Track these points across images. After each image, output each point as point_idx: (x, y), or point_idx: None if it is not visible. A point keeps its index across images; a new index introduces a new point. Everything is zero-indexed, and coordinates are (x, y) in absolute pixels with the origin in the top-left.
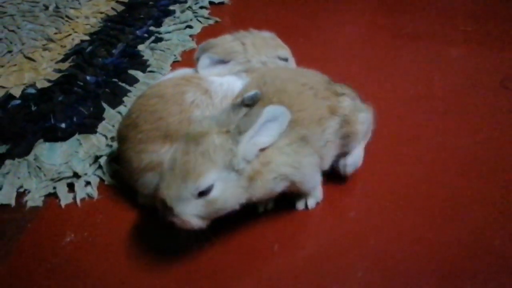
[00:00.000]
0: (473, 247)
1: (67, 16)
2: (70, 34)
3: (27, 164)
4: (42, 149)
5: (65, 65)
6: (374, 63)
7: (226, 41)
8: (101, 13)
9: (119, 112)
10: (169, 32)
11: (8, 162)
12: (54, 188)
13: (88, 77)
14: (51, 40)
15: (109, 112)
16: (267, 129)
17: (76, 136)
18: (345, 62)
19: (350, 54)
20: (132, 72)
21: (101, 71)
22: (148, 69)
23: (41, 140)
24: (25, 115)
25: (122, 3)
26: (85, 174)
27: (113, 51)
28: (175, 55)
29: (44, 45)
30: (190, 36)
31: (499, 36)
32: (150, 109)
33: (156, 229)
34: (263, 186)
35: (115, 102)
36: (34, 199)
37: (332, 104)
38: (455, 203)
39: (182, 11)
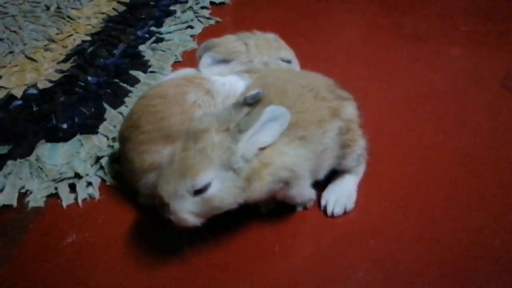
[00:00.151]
0: (474, 247)
1: (68, 17)
2: (71, 35)
3: (29, 164)
4: (43, 149)
5: (67, 66)
6: (374, 63)
7: (229, 41)
8: (102, 13)
9: (120, 113)
10: (170, 33)
11: (10, 162)
12: (56, 188)
13: (89, 78)
14: (52, 40)
15: (110, 112)
16: (268, 128)
17: (78, 136)
18: (345, 62)
19: (351, 54)
20: (133, 72)
21: (103, 72)
22: (149, 69)
23: (43, 140)
24: (27, 115)
25: (123, 4)
26: (87, 174)
27: (114, 51)
28: (176, 56)
29: (45, 45)
30: (191, 36)
31: (499, 36)
32: (152, 110)
33: (157, 229)
34: (261, 187)
35: (117, 102)
36: (36, 200)
37: (334, 106)
38: (455, 203)
39: (183, 11)
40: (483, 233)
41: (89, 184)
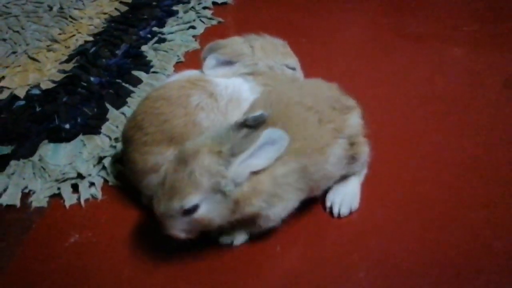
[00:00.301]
0: (475, 248)
1: (71, 17)
2: (74, 35)
3: (32, 165)
4: (46, 150)
5: (69, 66)
6: (375, 63)
7: (235, 43)
8: (105, 13)
9: (122, 113)
10: (172, 33)
11: (13, 162)
12: (59, 188)
13: (92, 78)
14: (55, 40)
15: (112, 113)
16: (263, 151)
17: (80, 137)
18: (346, 61)
19: (352, 54)
20: (135, 72)
21: (105, 72)
22: (152, 69)
23: (46, 141)
24: (30, 115)
25: (126, 4)
26: (89, 175)
27: (117, 51)
28: (178, 56)
29: (48, 45)
30: (193, 36)
31: (502, 36)
32: (156, 112)
33: (159, 229)
34: (250, 210)
35: (119, 103)
36: (39, 200)
37: (337, 126)
38: (456, 204)
39: (185, 12)
40: (484, 234)
41: (92, 184)
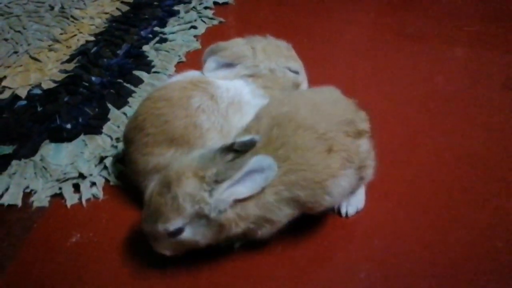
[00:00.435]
0: (476, 248)
1: (72, 17)
2: (75, 35)
3: (33, 164)
4: (48, 149)
5: (71, 66)
6: (377, 62)
7: (236, 45)
8: (106, 13)
9: (124, 113)
10: (173, 33)
11: (14, 162)
12: (60, 188)
13: (93, 78)
14: (56, 40)
15: (114, 112)
16: (250, 180)
17: (82, 136)
18: (348, 61)
19: (354, 54)
20: (136, 72)
21: (106, 72)
22: (153, 69)
23: (47, 140)
24: (31, 115)
25: (127, 4)
26: (91, 174)
27: (118, 51)
28: (179, 56)
29: (49, 45)
30: (195, 36)
31: (503, 37)
32: (157, 112)
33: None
34: (236, 232)
35: (120, 102)
36: (40, 200)
37: (349, 155)
38: (458, 204)
39: (187, 12)
40: (486, 234)
41: (93, 184)
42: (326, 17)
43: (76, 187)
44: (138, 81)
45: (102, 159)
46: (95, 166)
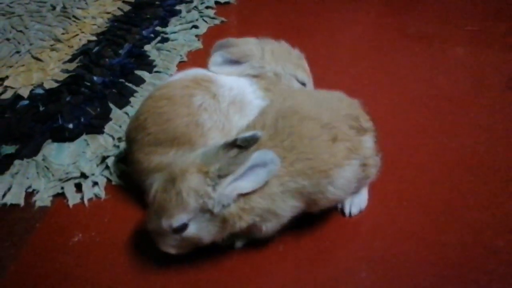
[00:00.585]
0: (477, 248)
1: (74, 16)
2: (77, 35)
3: (36, 164)
4: (50, 149)
5: (73, 66)
6: (378, 62)
7: (246, 43)
8: (108, 13)
9: (126, 113)
10: (175, 32)
11: (17, 162)
12: (62, 188)
13: (95, 78)
14: (58, 40)
15: (116, 112)
16: (253, 174)
17: (84, 136)
18: (349, 61)
19: (355, 54)
20: (138, 72)
21: (108, 72)
22: (155, 69)
23: (49, 140)
24: (33, 115)
25: (129, 3)
26: (93, 174)
27: (120, 51)
28: (181, 55)
29: (51, 45)
30: (196, 36)
31: (505, 37)
32: (159, 111)
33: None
34: (240, 226)
35: (122, 102)
36: (43, 199)
37: (352, 145)
38: (459, 204)
39: (188, 11)
40: (487, 233)
41: (95, 183)
42: (327, 17)
43: (78, 187)
44: (140, 81)
45: (104, 158)
46: (97, 165)
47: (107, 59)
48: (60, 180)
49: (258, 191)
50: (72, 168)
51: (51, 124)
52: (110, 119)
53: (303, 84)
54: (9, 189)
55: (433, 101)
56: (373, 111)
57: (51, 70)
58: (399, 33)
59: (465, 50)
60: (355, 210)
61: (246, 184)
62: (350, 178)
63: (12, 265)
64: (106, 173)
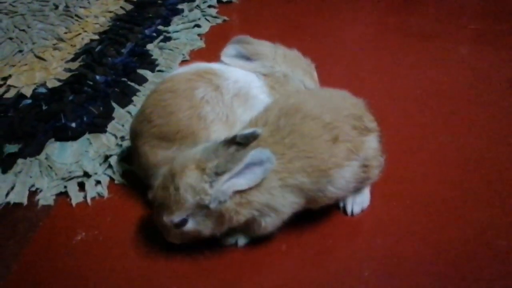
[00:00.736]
0: (479, 247)
1: (76, 16)
2: (79, 34)
3: (39, 163)
4: (53, 148)
5: (75, 65)
6: (381, 61)
7: (261, 44)
8: (110, 12)
9: (128, 112)
10: (177, 31)
11: (20, 161)
12: (65, 187)
13: (97, 77)
14: (61, 39)
15: (118, 111)
16: (249, 172)
17: (86, 135)
18: (352, 60)
19: (357, 52)
20: (141, 71)
21: (111, 71)
22: (157, 68)
23: (52, 139)
24: (36, 114)
25: (131, 2)
26: (95, 173)
27: (122, 50)
28: (183, 54)
29: (54, 44)
30: (199, 35)
31: (507, 35)
32: (163, 104)
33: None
34: (238, 220)
35: (125, 101)
36: (46, 198)
37: (354, 146)
38: (461, 203)
39: (190, 10)
40: (489, 233)
41: (98, 182)
42: (329, 16)
43: (81, 186)
44: (142, 80)
45: (107, 157)
46: (100, 164)
47: (109, 58)
48: (63, 179)
49: (257, 186)
50: (75, 167)
51: (54, 123)
52: (113, 118)
53: None
54: (12, 188)
55: (435, 100)
56: (374, 110)
57: (54, 69)
58: (401, 32)
59: (467, 49)
60: (357, 210)
61: (242, 182)
62: (350, 179)
63: (15, 263)
64: (109, 172)
